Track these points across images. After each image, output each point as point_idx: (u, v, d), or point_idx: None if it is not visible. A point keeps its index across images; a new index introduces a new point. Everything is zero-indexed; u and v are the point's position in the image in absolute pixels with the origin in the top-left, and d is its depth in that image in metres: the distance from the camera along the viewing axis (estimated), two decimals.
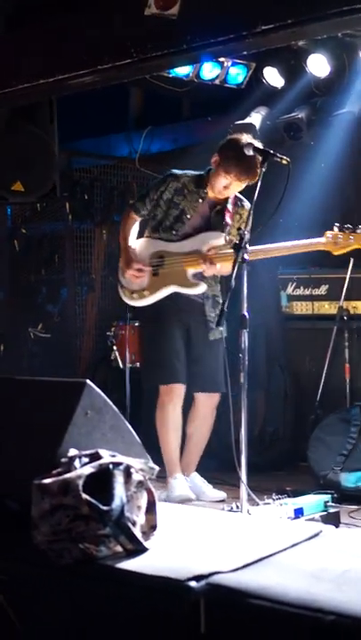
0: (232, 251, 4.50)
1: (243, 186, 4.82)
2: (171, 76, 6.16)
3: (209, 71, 6.16)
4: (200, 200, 4.94)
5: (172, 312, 4.92)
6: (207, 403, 5.02)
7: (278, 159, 4.21)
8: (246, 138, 4.74)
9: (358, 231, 4.49)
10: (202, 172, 4.99)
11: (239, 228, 4.05)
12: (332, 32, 4.78)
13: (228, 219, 4.94)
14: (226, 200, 4.93)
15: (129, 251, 5.00)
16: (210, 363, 4.96)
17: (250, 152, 4.27)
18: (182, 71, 6.12)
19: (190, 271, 4.88)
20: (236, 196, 4.96)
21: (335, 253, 4.57)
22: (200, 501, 4.90)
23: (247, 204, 4.94)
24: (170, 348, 4.89)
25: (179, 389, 4.92)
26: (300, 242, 4.59)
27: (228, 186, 4.83)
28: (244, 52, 5.10)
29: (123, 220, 5.17)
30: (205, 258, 4.82)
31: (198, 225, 4.95)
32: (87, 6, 4.51)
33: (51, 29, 4.76)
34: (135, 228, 5.12)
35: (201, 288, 4.90)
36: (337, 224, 4.49)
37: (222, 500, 4.92)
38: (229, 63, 6.15)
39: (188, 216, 4.93)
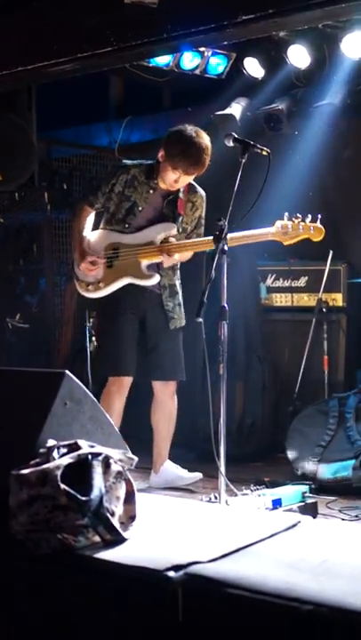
0: (188, 240, 4.80)
1: (192, 177, 4.85)
2: (151, 65, 6.14)
3: (189, 61, 6.15)
4: (151, 191, 4.93)
5: (125, 303, 4.92)
6: (165, 390, 5.04)
7: (258, 150, 4.20)
8: (190, 129, 4.78)
9: (307, 221, 4.50)
10: (152, 162, 4.98)
11: (219, 219, 4.03)
12: (314, 23, 4.78)
13: (180, 208, 4.96)
14: (178, 189, 4.94)
15: (83, 243, 4.98)
16: (167, 351, 4.99)
17: (230, 143, 4.26)
18: (162, 60, 6.10)
19: (144, 262, 4.89)
20: (189, 184, 4.97)
21: (285, 244, 4.59)
22: (175, 486, 4.94)
23: (200, 192, 5.02)
24: (120, 340, 4.91)
25: (126, 381, 4.95)
26: (250, 232, 4.57)
27: (177, 180, 4.85)
28: (225, 42, 5.11)
29: (76, 213, 5.12)
30: (162, 249, 4.83)
31: (151, 216, 4.95)
32: None
33: (30, 16, 4.72)
34: (90, 220, 5.08)
35: (154, 279, 4.91)
36: (286, 213, 4.48)
37: (199, 479, 5.00)
38: (210, 53, 6.14)
39: (140, 208, 4.92)
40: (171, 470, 5.06)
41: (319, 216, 4.54)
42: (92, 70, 5.02)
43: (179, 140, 4.78)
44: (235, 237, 4.44)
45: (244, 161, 4.15)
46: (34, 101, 5.72)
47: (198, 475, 5.05)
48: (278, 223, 4.51)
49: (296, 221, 4.51)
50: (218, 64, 6.22)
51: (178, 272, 5.06)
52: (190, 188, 4.99)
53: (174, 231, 4.91)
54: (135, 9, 4.06)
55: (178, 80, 6.47)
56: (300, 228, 4.51)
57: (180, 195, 4.95)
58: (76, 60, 4.63)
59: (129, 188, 4.92)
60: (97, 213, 5.10)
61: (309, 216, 4.51)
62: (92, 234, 5.05)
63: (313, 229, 4.57)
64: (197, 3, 4.03)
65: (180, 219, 4.95)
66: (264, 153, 4.19)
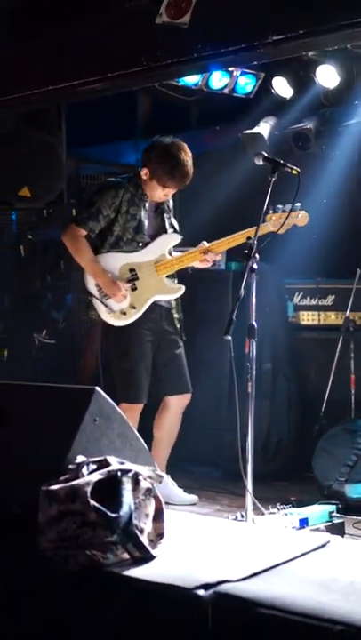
0: (195, 250, 4.83)
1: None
2: (180, 84, 6.16)
3: (218, 80, 6.17)
4: (146, 204, 4.94)
5: (140, 324, 4.88)
6: (179, 404, 5.01)
7: (288, 169, 4.21)
8: (172, 145, 4.81)
9: (292, 211, 4.51)
10: (130, 176, 4.98)
11: (249, 238, 4.05)
12: (343, 43, 4.79)
13: (167, 213, 5.03)
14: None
15: (106, 272, 4.83)
16: (179, 365, 4.98)
17: (259, 161, 4.27)
18: (191, 80, 6.13)
19: (165, 276, 4.89)
20: None
21: (279, 233, 4.54)
22: (170, 504, 4.88)
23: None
24: (137, 365, 4.86)
25: (140, 407, 4.91)
26: (243, 231, 4.63)
27: (167, 194, 4.90)
28: (255, 62, 5.12)
29: (72, 241, 4.86)
30: (204, 250, 4.82)
31: (151, 230, 4.95)
32: (98, 13, 4.52)
33: (61, 36, 4.77)
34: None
35: (181, 290, 4.92)
36: (271, 207, 4.50)
37: (193, 504, 4.96)
38: (238, 73, 6.16)
39: (146, 224, 4.91)
40: (168, 486, 4.95)
41: (298, 204, 4.56)
42: (122, 90, 5.08)
43: (165, 157, 4.78)
44: (231, 238, 4.55)
45: (273, 179, 4.16)
46: (63, 119, 5.77)
47: (195, 498, 5.03)
48: (269, 217, 4.55)
49: (282, 213, 4.54)
50: (246, 83, 6.24)
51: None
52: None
53: (179, 240, 4.96)
54: (166, 29, 4.10)
55: (206, 99, 6.49)
56: (287, 217, 4.53)
57: (167, 202, 5.04)
58: (107, 80, 4.68)
59: (132, 207, 4.88)
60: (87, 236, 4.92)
61: (289, 205, 4.49)
62: (100, 261, 4.90)
63: (299, 216, 4.64)
64: (228, 23, 4.05)
65: (175, 225, 5.01)
66: (294, 172, 4.20)
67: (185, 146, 4.84)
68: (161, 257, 4.88)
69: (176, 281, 4.99)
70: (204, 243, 4.89)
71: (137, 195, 4.90)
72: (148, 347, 4.89)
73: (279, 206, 4.52)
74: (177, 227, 5.04)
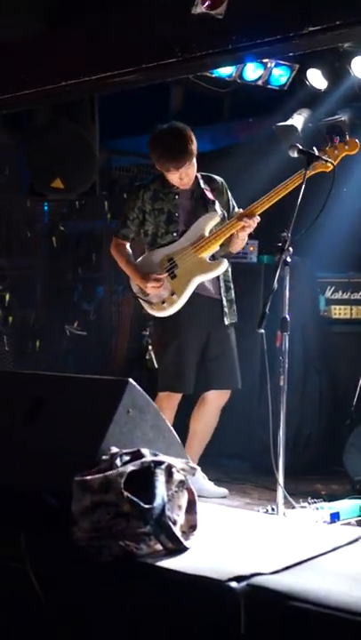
0: (232, 220, 4.73)
1: (192, 166, 4.82)
2: (213, 75, 6.14)
3: (252, 72, 6.13)
4: (177, 196, 4.91)
5: (188, 315, 4.85)
6: (218, 400, 4.98)
7: (323, 162, 4.19)
8: (161, 127, 4.81)
9: (339, 143, 4.46)
10: (156, 176, 5.00)
11: (282, 231, 4.03)
12: None
13: (209, 195, 4.95)
14: (195, 184, 4.94)
15: (138, 269, 4.89)
16: (226, 360, 4.94)
17: (294, 154, 4.25)
18: (225, 71, 6.09)
19: (206, 255, 4.84)
20: (203, 176, 4.97)
21: (329, 171, 4.40)
22: (200, 497, 4.85)
23: (218, 178, 5.02)
24: (182, 355, 4.84)
25: (178, 396, 4.89)
26: (283, 184, 4.57)
27: (180, 176, 4.84)
28: (290, 54, 5.10)
29: (115, 251, 5.02)
30: (241, 217, 4.74)
31: (188, 219, 4.92)
32: (132, 4, 4.51)
33: (95, 27, 4.77)
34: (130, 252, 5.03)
35: (224, 264, 4.86)
36: (314, 147, 4.40)
37: (224, 497, 4.95)
38: (273, 64, 6.11)
39: (177, 214, 4.90)
40: (199, 479, 4.90)
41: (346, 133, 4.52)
42: (156, 81, 5.07)
43: (153, 144, 4.81)
44: (267, 197, 4.58)
45: (308, 172, 4.13)
46: (97, 111, 5.78)
47: (225, 491, 5.01)
48: (318, 157, 4.39)
49: (330, 146, 4.47)
50: (281, 75, 6.19)
51: (229, 266, 5.00)
52: (207, 179, 4.98)
53: (218, 218, 4.88)
54: (201, 20, 4.08)
55: (240, 91, 6.46)
56: (335, 150, 4.46)
57: (202, 185, 4.96)
58: (140, 71, 4.67)
59: (156, 202, 4.90)
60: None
61: (336, 138, 4.46)
62: (139, 262, 4.96)
63: (348, 145, 4.54)
64: (264, 14, 4.03)
65: (216, 205, 4.94)
66: (329, 165, 4.18)
67: (177, 128, 4.80)
68: (199, 238, 4.86)
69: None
70: (240, 210, 4.88)
71: (161, 190, 4.91)
72: (193, 337, 4.88)
73: (321, 161, 4.36)
74: (218, 208, 4.94)
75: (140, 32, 4.57)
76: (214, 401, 4.99)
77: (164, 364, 4.94)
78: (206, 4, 3.96)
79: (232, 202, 5.03)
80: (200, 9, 3.99)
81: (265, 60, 5.99)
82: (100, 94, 5.80)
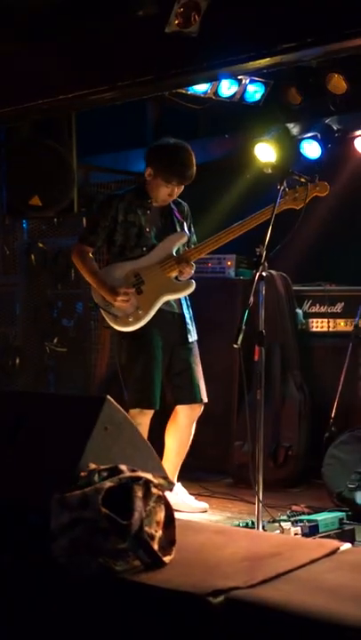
0: (203, 242, 4.83)
1: (182, 187, 4.89)
2: (189, 92, 6.19)
3: (227, 88, 6.19)
4: (148, 212, 4.94)
5: (152, 329, 4.86)
6: (191, 414, 4.98)
7: (297, 177, 4.24)
8: (170, 141, 4.86)
9: (311, 182, 4.52)
10: (136, 186, 5.04)
11: (257, 246, 4.06)
12: (353, 51, 4.79)
13: (177, 215, 5.01)
14: (168, 204, 4.99)
15: (106, 282, 4.86)
16: (192, 374, 4.94)
17: (268, 170, 4.29)
18: (200, 88, 6.15)
19: (173, 276, 4.88)
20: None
21: (298, 208, 4.55)
22: (180, 511, 4.84)
23: (183, 202, 5.08)
24: (149, 370, 4.83)
25: (151, 413, 4.85)
26: (258, 212, 4.62)
27: (172, 193, 4.89)
28: (264, 71, 5.14)
29: (78, 258, 4.96)
30: (180, 259, 4.84)
31: (156, 235, 4.95)
32: (108, 22, 4.54)
33: (71, 45, 4.80)
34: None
35: (192, 286, 4.89)
36: (285, 182, 4.43)
37: (205, 511, 4.95)
38: (247, 81, 6.17)
39: (147, 229, 4.92)
40: (179, 493, 4.93)
41: (317, 175, 4.58)
42: (132, 98, 5.09)
43: (164, 153, 4.84)
44: (248, 220, 4.59)
45: (282, 188, 4.18)
46: (74, 128, 5.79)
47: (205, 505, 5.03)
48: (286, 192, 4.50)
49: (301, 185, 4.53)
50: (255, 91, 6.25)
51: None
52: (175, 201, 5.02)
53: (185, 238, 4.94)
54: (175, 38, 4.12)
55: (215, 107, 6.51)
56: (305, 190, 4.53)
57: (172, 205, 5.00)
58: (117, 89, 4.70)
59: (129, 214, 4.90)
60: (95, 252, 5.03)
61: (305, 177, 4.52)
62: (104, 272, 4.94)
63: (318, 187, 4.63)
64: (237, 31, 4.07)
65: (183, 225, 4.99)
66: (303, 180, 4.22)
67: (186, 144, 4.88)
68: (167, 257, 4.89)
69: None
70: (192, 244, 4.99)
71: (136, 202, 4.93)
72: (159, 352, 4.88)
73: (296, 177, 4.47)
74: (186, 229, 5.01)
75: (115, 50, 4.60)
76: (186, 415, 4.98)
77: (132, 381, 4.89)
78: (180, 22, 3.99)
79: (192, 229, 5.09)
80: (173, 27, 4.02)
81: (239, 77, 6.05)
82: (76, 112, 5.82)
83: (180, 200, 5.05)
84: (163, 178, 4.82)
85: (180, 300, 4.96)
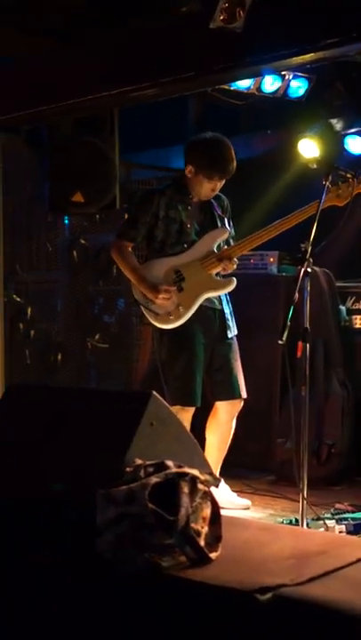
0: (240, 240, 4.78)
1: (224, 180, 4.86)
2: (231, 88, 6.18)
3: (270, 84, 6.17)
4: (189, 207, 4.91)
5: (194, 326, 4.84)
6: (231, 410, 4.96)
7: (343, 172, 4.21)
8: (209, 135, 4.83)
9: (356, 179, 4.45)
10: (170, 182, 5.02)
11: (302, 241, 4.04)
12: None
13: (217, 210, 4.97)
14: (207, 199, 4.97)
15: (147, 278, 4.84)
16: (231, 370, 4.93)
17: (314, 165, 4.26)
18: (243, 84, 6.14)
19: (214, 272, 4.85)
20: None
21: (342, 205, 4.50)
22: (224, 509, 4.82)
23: (223, 196, 5.02)
24: (191, 367, 4.81)
25: (192, 411, 4.84)
26: (300, 210, 4.57)
27: (214, 188, 4.86)
28: (308, 66, 5.12)
29: (118, 254, 4.94)
30: (221, 256, 4.81)
31: (197, 232, 4.92)
32: (151, 19, 4.55)
33: (114, 42, 4.82)
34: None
35: (233, 283, 4.86)
36: (330, 177, 4.34)
37: (247, 508, 4.95)
38: (290, 76, 6.15)
39: (188, 225, 4.89)
40: (222, 491, 4.90)
41: None
42: (174, 95, 5.10)
43: (204, 149, 4.80)
44: (291, 217, 4.55)
45: (327, 184, 4.15)
46: (116, 125, 5.81)
47: (248, 502, 5.02)
48: (329, 189, 4.40)
49: (344, 182, 4.47)
50: (298, 87, 6.23)
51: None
52: (215, 195, 4.97)
53: (227, 234, 4.91)
54: (219, 34, 4.11)
55: (257, 102, 6.49)
56: (349, 187, 4.46)
57: (212, 200, 4.96)
58: (159, 85, 4.71)
59: (171, 210, 4.87)
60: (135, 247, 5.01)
61: (349, 173, 4.45)
62: (144, 268, 4.92)
63: None
64: (281, 26, 4.06)
65: (225, 220, 4.96)
66: (348, 175, 4.19)
67: (224, 138, 4.85)
68: (208, 254, 4.87)
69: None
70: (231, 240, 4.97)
71: (176, 198, 4.90)
72: (200, 349, 4.86)
73: (341, 172, 4.40)
74: (227, 224, 4.98)
75: (158, 46, 4.61)
76: (226, 411, 4.97)
77: (172, 378, 4.88)
78: (224, 18, 3.98)
79: (231, 223, 5.05)
80: (218, 23, 4.02)
81: (283, 73, 6.02)
82: (119, 108, 5.84)
83: (219, 194, 5.00)
84: (205, 175, 4.79)
85: (220, 295, 4.95)
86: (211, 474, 2.57)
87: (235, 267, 4.86)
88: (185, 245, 4.88)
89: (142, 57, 4.73)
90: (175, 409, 4.68)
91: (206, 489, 2.48)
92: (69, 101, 5.11)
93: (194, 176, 4.84)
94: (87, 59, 4.97)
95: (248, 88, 6.17)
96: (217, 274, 4.87)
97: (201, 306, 4.84)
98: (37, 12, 4.60)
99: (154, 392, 2.72)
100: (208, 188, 4.85)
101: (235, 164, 4.77)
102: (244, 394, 4.95)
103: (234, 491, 5.07)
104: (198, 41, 4.31)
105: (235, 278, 4.89)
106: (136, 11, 4.50)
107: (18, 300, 6.70)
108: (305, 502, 3.98)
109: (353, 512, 4.36)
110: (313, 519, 4.11)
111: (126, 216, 5.17)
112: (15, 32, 4.83)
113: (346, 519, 4.14)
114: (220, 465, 4.98)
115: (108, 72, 4.88)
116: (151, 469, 2.49)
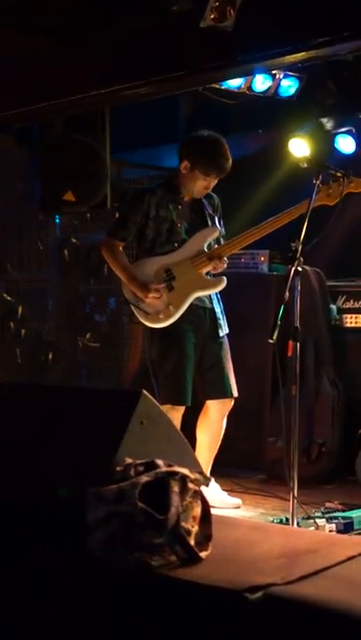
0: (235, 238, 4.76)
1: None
2: (222, 87, 6.18)
3: (261, 83, 6.17)
4: (179, 206, 4.90)
5: (184, 325, 4.84)
6: (222, 409, 4.96)
7: (333, 172, 4.21)
8: (205, 133, 4.82)
9: (346, 178, 4.45)
10: (162, 181, 5.01)
11: (293, 240, 4.04)
12: None
13: (208, 209, 4.97)
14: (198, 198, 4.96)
15: (137, 277, 4.83)
16: (222, 368, 4.93)
17: (304, 165, 4.27)
18: (234, 83, 6.14)
19: (205, 271, 4.85)
20: None
21: (332, 204, 4.50)
22: (213, 507, 4.80)
23: (214, 194, 5.01)
24: (181, 366, 4.81)
25: (182, 410, 4.84)
26: (290, 209, 4.57)
27: (208, 186, 4.86)
28: (299, 65, 5.12)
29: (108, 253, 4.93)
30: (212, 255, 4.81)
31: (187, 230, 4.91)
32: (142, 18, 4.54)
33: (105, 40, 4.81)
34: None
35: (223, 282, 4.86)
36: (320, 177, 4.35)
37: (238, 507, 4.95)
38: (281, 75, 6.15)
39: (179, 225, 4.88)
40: (213, 490, 4.89)
41: (351, 171, 4.51)
42: (166, 93, 5.11)
43: (202, 145, 4.80)
44: (282, 216, 4.54)
45: (318, 183, 4.15)
46: (107, 124, 5.81)
47: (238, 501, 5.02)
48: (320, 188, 4.40)
49: (335, 182, 4.47)
50: (289, 86, 6.24)
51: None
52: (206, 194, 4.97)
53: (217, 233, 4.91)
54: (210, 33, 4.11)
55: (249, 101, 6.50)
56: (340, 186, 4.45)
57: (202, 198, 4.96)
58: (151, 84, 4.71)
59: (161, 209, 4.86)
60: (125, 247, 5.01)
61: (340, 172, 4.45)
62: (134, 267, 4.91)
63: (353, 183, 4.53)
64: (272, 26, 4.06)
65: (214, 219, 4.95)
66: (339, 174, 4.19)
67: (221, 137, 4.86)
68: (198, 253, 4.86)
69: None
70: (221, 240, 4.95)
71: (167, 197, 4.89)
72: (191, 348, 4.86)
73: (331, 171, 4.41)
74: (217, 223, 4.97)
75: (150, 45, 4.60)
76: (217, 410, 4.97)
77: (163, 377, 4.87)
78: (215, 17, 3.98)
79: (221, 222, 5.04)
80: (208, 22, 4.01)
81: (273, 72, 6.02)
82: (110, 107, 5.83)
83: (210, 192, 5.00)
84: (201, 171, 4.78)
85: (210, 294, 4.94)
86: (201, 473, 2.58)
87: (225, 266, 4.87)
88: (175, 244, 4.88)
89: (134, 56, 4.72)
90: (166, 408, 4.68)
91: (197, 488, 2.48)
92: (61, 100, 5.10)
93: (189, 172, 4.83)
94: (79, 57, 4.96)
95: (239, 87, 6.18)
96: (207, 273, 4.87)
97: (191, 305, 4.84)
98: (37, 12, 4.59)
99: (144, 391, 2.72)
100: (202, 186, 4.84)
101: (231, 162, 4.77)
102: (235, 393, 4.95)
103: (224, 490, 5.07)
104: (189, 40, 4.31)
105: (225, 277, 4.89)
106: (127, 9, 4.49)
107: (9, 298, 6.69)
108: (295, 501, 3.98)
109: (343, 511, 4.36)
110: (303, 518, 4.11)
111: (117, 215, 5.17)
112: (15, 32, 4.82)
113: (336, 518, 4.14)
114: (210, 464, 4.98)
115: (100, 71, 4.87)
116: (141, 468, 2.49)
